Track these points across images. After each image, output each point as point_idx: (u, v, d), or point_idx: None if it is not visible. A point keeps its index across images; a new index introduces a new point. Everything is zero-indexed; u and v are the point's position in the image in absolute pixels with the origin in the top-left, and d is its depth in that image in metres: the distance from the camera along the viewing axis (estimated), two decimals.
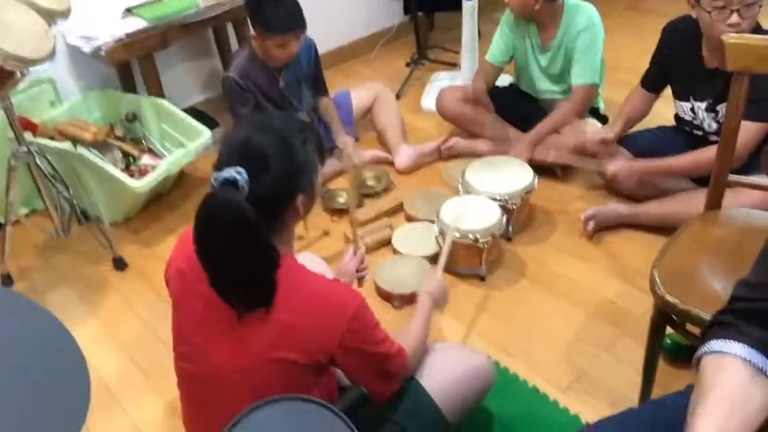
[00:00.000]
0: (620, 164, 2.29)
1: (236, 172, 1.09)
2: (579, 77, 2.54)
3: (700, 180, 2.20)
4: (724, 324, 0.92)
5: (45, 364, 0.90)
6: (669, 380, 1.73)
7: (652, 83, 2.36)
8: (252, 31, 2.47)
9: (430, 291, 1.64)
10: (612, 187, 2.47)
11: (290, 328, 1.17)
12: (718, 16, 1.91)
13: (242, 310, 1.17)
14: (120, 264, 2.39)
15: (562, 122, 2.57)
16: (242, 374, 1.21)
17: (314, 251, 2.30)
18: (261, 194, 1.12)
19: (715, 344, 0.90)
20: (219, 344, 1.22)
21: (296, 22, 2.42)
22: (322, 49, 3.31)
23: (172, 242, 1.29)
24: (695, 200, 1.93)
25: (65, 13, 2.10)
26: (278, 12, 2.38)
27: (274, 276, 1.14)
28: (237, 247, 1.10)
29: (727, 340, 0.89)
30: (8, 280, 2.35)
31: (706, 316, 1.36)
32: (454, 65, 3.41)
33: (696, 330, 1.47)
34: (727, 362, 0.88)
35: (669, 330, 1.57)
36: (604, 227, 2.34)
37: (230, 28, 3.13)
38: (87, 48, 2.56)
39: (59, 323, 0.97)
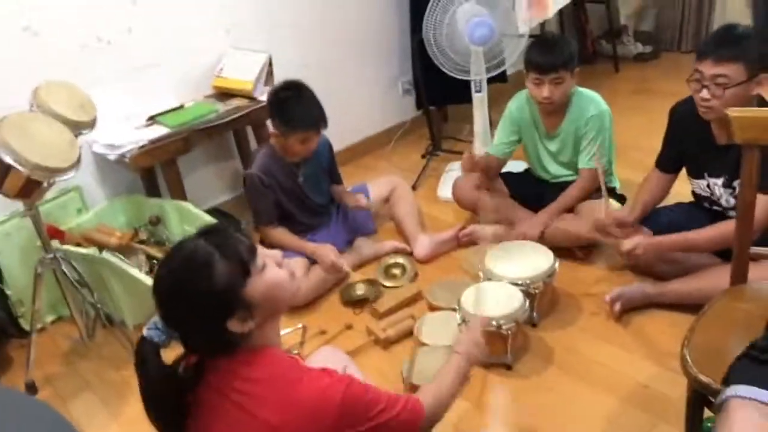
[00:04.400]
0: (637, 240, 2.26)
1: (152, 328, 1.22)
2: (585, 161, 2.60)
3: (723, 254, 2.17)
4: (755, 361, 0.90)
5: None
6: None
7: (666, 164, 2.37)
8: (272, 129, 2.57)
9: (461, 350, 1.56)
10: (635, 266, 2.44)
11: (277, 429, 1.14)
12: (695, 88, 2.01)
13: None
14: None
15: (572, 201, 2.60)
16: None
17: (337, 345, 2.28)
18: (185, 335, 1.22)
19: (743, 389, 0.88)
20: None
21: (318, 118, 2.52)
22: (340, 146, 3.40)
23: None
24: (721, 275, 1.89)
25: (91, 124, 2.21)
26: (302, 110, 2.49)
27: (176, 409, 1.23)
28: (147, 385, 1.23)
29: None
30: (32, 388, 2.35)
31: None
32: None
33: None
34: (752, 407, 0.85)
35: (708, 414, 1.51)
36: (630, 308, 2.29)
37: (249, 131, 3.24)
38: (112, 156, 2.66)
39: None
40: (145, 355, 1.20)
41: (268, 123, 2.61)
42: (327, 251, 2.55)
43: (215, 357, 1.23)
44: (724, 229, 2.04)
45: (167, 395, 1.22)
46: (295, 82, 2.58)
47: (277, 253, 1.30)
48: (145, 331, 1.21)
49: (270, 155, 2.63)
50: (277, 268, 1.26)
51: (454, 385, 1.47)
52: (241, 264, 1.19)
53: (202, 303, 1.17)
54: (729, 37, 1.96)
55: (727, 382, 1.12)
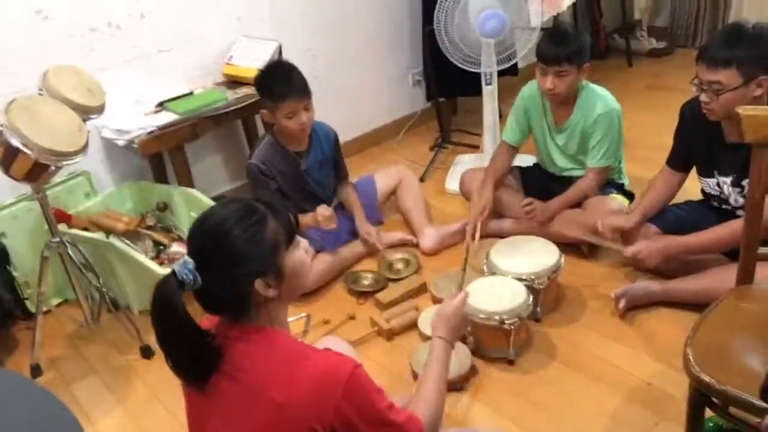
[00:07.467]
0: (641, 245, 2.26)
1: (183, 265, 1.17)
2: (594, 160, 2.58)
3: (729, 252, 2.15)
4: None
5: None
6: None
7: (677, 162, 2.35)
8: (263, 111, 2.57)
9: (440, 333, 1.58)
10: (640, 265, 2.43)
11: (282, 407, 1.14)
12: (696, 91, 2.01)
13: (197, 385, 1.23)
14: (147, 352, 2.39)
15: (576, 199, 2.59)
16: None
17: (340, 335, 2.28)
18: (210, 285, 1.19)
19: None
20: (214, 426, 1.22)
21: (300, 89, 2.52)
22: (349, 136, 3.37)
23: None
24: (727, 275, 1.87)
25: (100, 109, 2.21)
26: (283, 81, 2.51)
27: (204, 358, 1.20)
28: (167, 330, 1.20)
29: None
30: (37, 370, 2.36)
31: (746, 396, 1.30)
32: (476, 147, 3.45)
33: (738, 412, 1.40)
34: None
35: (709, 413, 1.50)
36: (635, 305, 2.28)
37: (257, 119, 3.24)
38: (121, 141, 2.67)
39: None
40: (170, 291, 1.15)
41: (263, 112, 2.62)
42: (321, 209, 2.58)
43: (229, 319, 1.24)
44: (730, 229, 2.03)
45: (189, 332, 1.19)
46: (277, 60, 2.62)
47: (304, 240, 1.32)
48: (176, 267, 1.17)
49: (271, 144, 2.64)
50: (304, 251, 1.30)
51: (440, 378, 1.47)
52: (287, 231, 1.25)
53: (244, 253, 1.18)
54: (727, 39, 1.93)
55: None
